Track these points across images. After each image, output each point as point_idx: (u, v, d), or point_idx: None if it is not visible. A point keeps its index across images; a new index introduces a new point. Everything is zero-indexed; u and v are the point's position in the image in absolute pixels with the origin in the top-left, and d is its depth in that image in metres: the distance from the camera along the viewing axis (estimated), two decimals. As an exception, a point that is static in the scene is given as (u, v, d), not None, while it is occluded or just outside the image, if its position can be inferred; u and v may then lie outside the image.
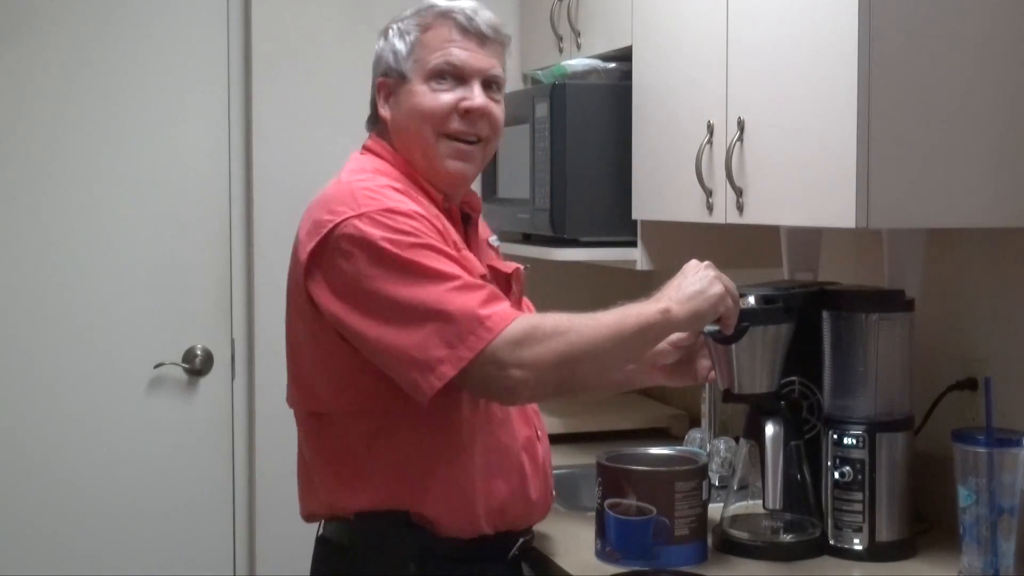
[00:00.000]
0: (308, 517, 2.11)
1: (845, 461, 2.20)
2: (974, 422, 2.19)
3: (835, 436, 2.21)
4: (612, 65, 2.88)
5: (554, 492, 2.20)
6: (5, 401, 3.31)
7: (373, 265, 1.89)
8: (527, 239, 2.99)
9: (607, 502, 2.17)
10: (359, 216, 1.91)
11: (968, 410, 2.28)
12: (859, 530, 2.19)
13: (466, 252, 2.03)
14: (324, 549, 2.08)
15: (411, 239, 1.90)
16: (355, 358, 1.94)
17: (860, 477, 2.18)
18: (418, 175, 2.07)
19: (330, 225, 1.92)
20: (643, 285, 3.54)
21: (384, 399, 1.95)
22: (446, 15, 2.05)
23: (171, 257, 3.39)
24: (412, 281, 1.87)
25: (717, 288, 1.98)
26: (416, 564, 1.98)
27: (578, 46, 3.02)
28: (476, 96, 2.04)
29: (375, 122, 2.14)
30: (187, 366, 3.42)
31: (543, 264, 3.16)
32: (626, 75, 2.75)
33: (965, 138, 1.97)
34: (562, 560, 2.19)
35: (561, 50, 3.12)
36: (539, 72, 3.07)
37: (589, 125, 2.76)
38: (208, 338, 3.42)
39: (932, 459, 2.27)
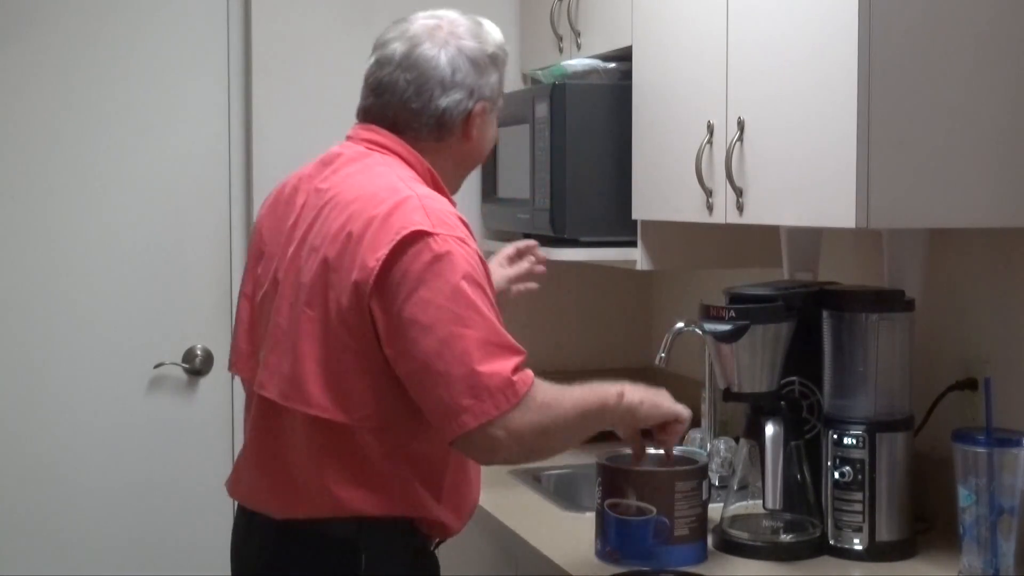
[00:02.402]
0: (288, 516, 2.03)
1: (845, 461, 2.20)
2: (974, 422, 2.19)
3: (835, 436, 2.22)
4: (612, 65, 2.88)
5: None
6: (5, 401, 3.31)
7: (442, 294, 1.88)
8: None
9: (607, 502, 2.17)
10: (436, 237, 1.91)
11: (968, 410, 2.28)
12: (859, 530, 2.19)
13: None
14: (325, 546, 2.02)
15: (478, 277, 1.92)
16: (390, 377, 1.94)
17: (860, 477, 2.18)
18: (442, 185, 2.10)
19: (405, 235, 1.90)
20: (643, 285, 3.56)
21: (404, 417, 1.97)
22: (506, 60, 2.18)
23: (171, 257, 3.39)
24: (467, 321, 1.88)
25: (678, 407, 2.11)
26: (411, 564, 2.05)
27: (578, 46, 3.02)
28: None
29: (437, 136, 2.10)
30: (187, 366, 3.42)
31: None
32: (626, 75, 2.75)
33: (965, 138, 1.97)
34: (562, 560, 2.20)
35: (561, 50, 3.12)
36: (539, 72, 3.07)
37: (589, 125, 2.76)
38: (208, 338, 3.42)
39: (932, 459, 2.27)
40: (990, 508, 1.97)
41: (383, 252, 1.89)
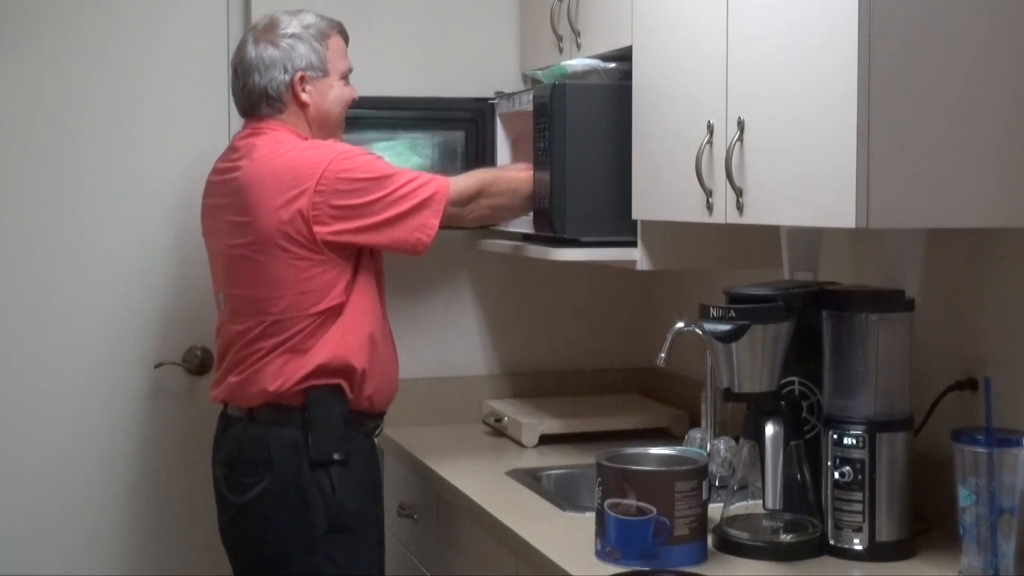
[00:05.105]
0: (260, 400, 2.67)
1: (845, 461, 2.20)
2: (974, 422, 2.19)
3: (835, 436, 2.22)
4: (612, 65, 2.87)
5: None
6: (5, 401, 3.31)
7: (364, 181, 2.65)
8: (527, 239, 2.99)
9: (607, 502, 2.17)
10: (335, 158, 2.64)
11: (968, 410, 2.28)
12: (859, 530, 2.19)
13: None
14: (282, 423, 2.65)
15: (370, 157, 2.72)
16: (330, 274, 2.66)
17: (860, 477, 2.18)
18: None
19: (320, 171, 2.61)
20: (643, 285, 3.56)
21: (339, 302, 2.66)
22: (340, 31, 2.82)
23: (171, 257, 3.39)
24: (389, 181, 2.67)
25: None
26: (344, 422, 2.67)
27: (578, 46, 3.01)
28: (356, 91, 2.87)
29: (265, 107, 2.74)
30: (187, 366, 3.42)
31: (543, 264, 3.16)
32: (626, 75, 2.75)
33: (965, 138, 1.97)
34: (562, 560, 2.20)
35: (561, 50, 3.12)
36: (539, 72, 3.07)
37: (589, 125, 2.75)
38: (208, 338, 3.40)
39: (932, 459, 2.27)
40: (990, 508, 1.97)
41: (311, 183, 2.60)
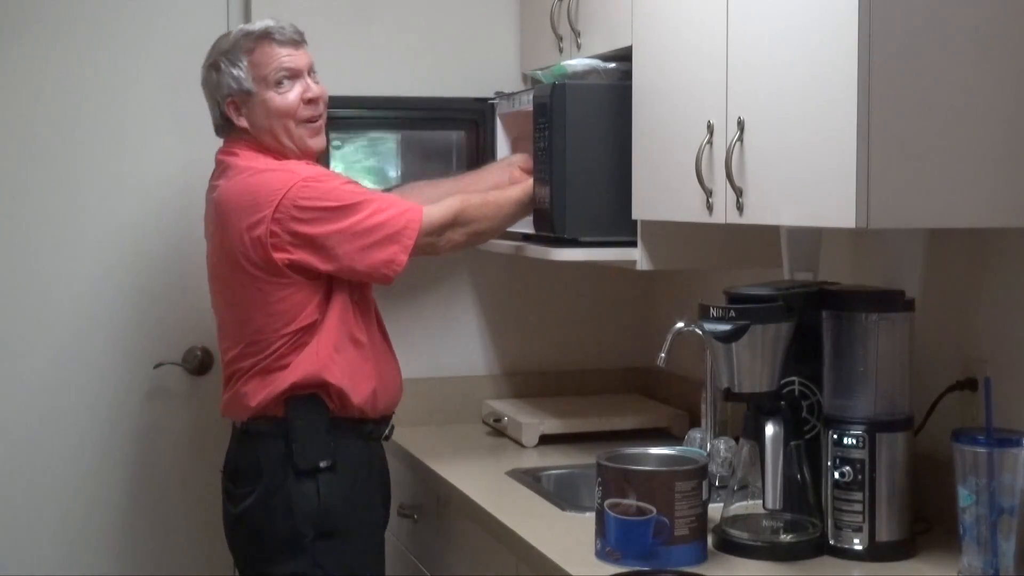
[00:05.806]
0: (247, 415, 2.68)
1: (845, 461, 2.20)
2: (974, 422, 2.19)
3: (835, 436, 2.22)
4: (612, 65, 2.87)
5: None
6: (5, 401, 3.31)
7: (324, 210, 2.59)
8: (527, 239, 2.99)
9: (607, 502, 2.17)
10: (296, 184, 2.59)
11: (968, 410, 2.28)
12: (859, 530, 2.19)
13: None
14: (266, 437, 2.66)
15: (335, 184, 2.66)
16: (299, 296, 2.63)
17: (860, 477, 2.18)
18: (288, 155, 2.71)
19: (279, 198, 2.57)
20: (643, 285, 3.56)
21: (313, 320, 2.64)
22: (264, 36, 2.69)
23: (171, 257, 3.39)
24: (353, 211, 2.60)
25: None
26: (329, 433, 2.66)
27: (578, 46, 3.02)
28: (313, 87, 2.74)
29: (228, 130, 2.75)
30: (187, 366, 3.42)
31: (543, 264, 3.16)
32: (626, 75, 2.75)
33: (965, 138, 1.97)
34: (562, 560, 2.20)
35: (561, 50, 3.12)
36: (539, 72, 3.07)
37: (589, 125, 2.75)
38: (208, 338, 3.41)
39: (932, 459, 2.27)
40: (990, 508, 1.97)
41: (265, 213, 2.56)
